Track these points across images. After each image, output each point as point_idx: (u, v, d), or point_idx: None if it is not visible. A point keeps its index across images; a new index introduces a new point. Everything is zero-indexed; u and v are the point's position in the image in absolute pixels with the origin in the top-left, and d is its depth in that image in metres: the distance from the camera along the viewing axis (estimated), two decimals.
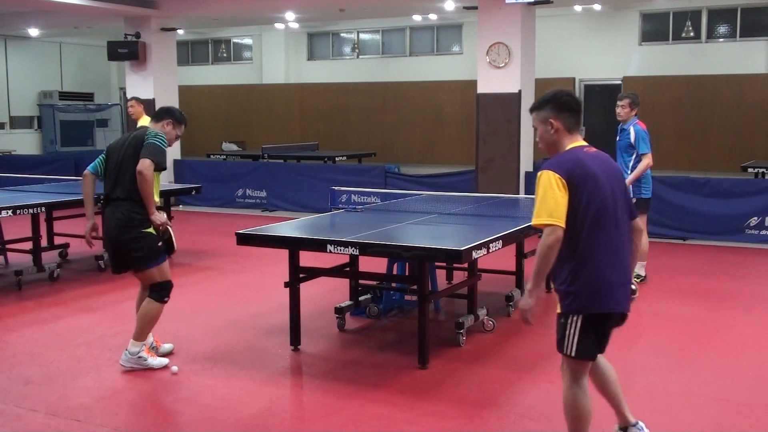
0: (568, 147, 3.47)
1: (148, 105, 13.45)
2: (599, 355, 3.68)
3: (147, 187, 4.81)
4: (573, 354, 3.53)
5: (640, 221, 7.44)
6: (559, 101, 3.47)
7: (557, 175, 3.31)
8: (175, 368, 5.00)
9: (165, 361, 5.04)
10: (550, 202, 3.31)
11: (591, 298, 3.47)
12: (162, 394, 4.67)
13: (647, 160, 7.28)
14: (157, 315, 5.03)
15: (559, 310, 3.58)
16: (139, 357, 4.96)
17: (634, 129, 7.36)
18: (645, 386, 4.76)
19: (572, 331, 3.49)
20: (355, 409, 4.41)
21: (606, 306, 3.48)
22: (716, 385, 4.83)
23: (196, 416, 4.33)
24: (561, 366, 3.69)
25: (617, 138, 7.52)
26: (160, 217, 4.97)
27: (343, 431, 4.17)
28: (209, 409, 4.42)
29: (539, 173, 3.41)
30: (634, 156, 7.34)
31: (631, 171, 7.34)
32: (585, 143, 3.53)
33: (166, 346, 5.38)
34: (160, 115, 5.23)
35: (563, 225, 3.30)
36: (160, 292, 5.01)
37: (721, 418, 4.33)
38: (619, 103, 7.42)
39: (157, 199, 5.03)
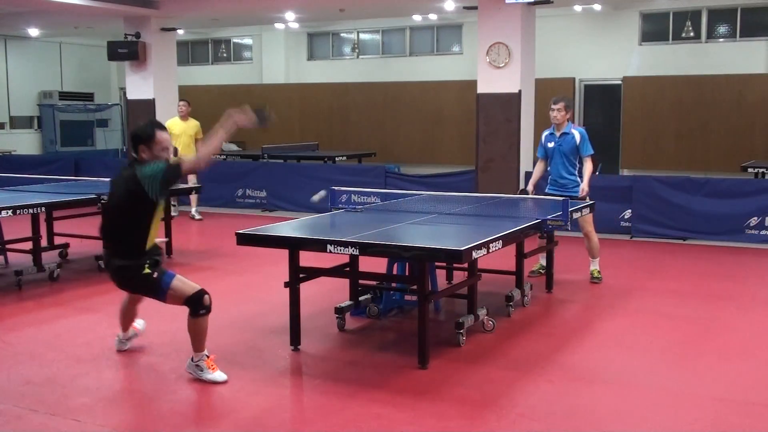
0: None
1: (148, 105, 13.54)
2: None
3: (200, 158, 4.77)
4: None
5: (588, 223, 7.60)
6: None
7: None
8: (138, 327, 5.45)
9: (223, 376, 4.80)
10: None
11: None
12: (162, 394, 4.67)
13: (592, 161, 7.46)
14: (204, 328, 4.86)
15: None
16: (197, 364, 4.83)
17: (578, 131, 7.43)
18: (645, 386, 4.76)
19: None
20: (355, 409, 4.41)
21: None
22: (716, 385, 4.83)
23: (196, 416, 4.33)
24: None
25: (550, 143, 7.53)
26: (225, 125, 4.75)
27: (344, 431, 4.17)
28: (209, 409, 4.43)
29: None
30: (578, 159, 7.49)
31: (579, 175, 7.43)
32: None
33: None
34: (131, 144, 4.86)
35: None
36: (193, 307, 4.81)
37: (721, 418, 4.32)
38: (554, 106, 7.42)
39: (156, 239, 4.95)
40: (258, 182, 13.07)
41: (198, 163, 4.80)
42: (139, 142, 4.75)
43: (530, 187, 7.77)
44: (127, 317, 5.38)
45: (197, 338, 4.83)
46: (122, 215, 4.75)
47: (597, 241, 7.63)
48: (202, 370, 4.80)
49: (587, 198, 7.34)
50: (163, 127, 4.89)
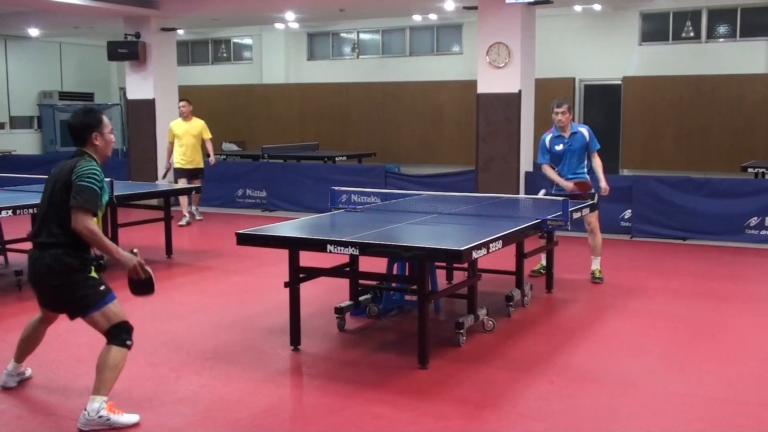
0: None
1: (148, 105, 13.54)
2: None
3: (98, 240, 4.10)
4: None
5: (595, 218, 7.76)
6: None
7: None
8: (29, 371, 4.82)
9: (135, 417, 4.20)
10: None
11: None
12: (162, 394, 4.67)
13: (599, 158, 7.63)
14: (122, 362, 4.19)
15: None
16: (100, 416, 4.05)
17: (584, 129, 7.51)
18: (645, 386, 4.76)
19: None
20: (355, 409, 4.41)
21: None
22: (716, 385, 4.83)
23: (196, 416, 4.33)
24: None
25: (558, 146, 7.47)
26: (129, 258, 4.22)
27: (343, 431, 4.17)
28: (209, 409, 4.43)
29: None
30: (586, 156, 7.58)
31: (589, 172, 7.56)
32: None
33: (27, 372, 4.83)
34: (78, 134, 4.30)
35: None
36: (119, 335, 4.21)
37: (721, 418, 4.33)
38: (558, 110, 7.43)
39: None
40: (258, 182, 13.07)
41: (92, 236, 4.10)
42: (92, 129, 4.29)
43: (569, 185, 7.45)
44: (29, 342, 4.69)
45: (112, 375, 4.12)
46: (62, 206, 4.16)
47: (601, 239, 7.65)
48: (109, 419, 4.07)
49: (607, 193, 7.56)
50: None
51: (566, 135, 7.46)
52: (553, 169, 7.57)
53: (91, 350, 5.48)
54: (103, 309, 4.20)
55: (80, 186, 4.10)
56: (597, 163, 7.53)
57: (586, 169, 7.56)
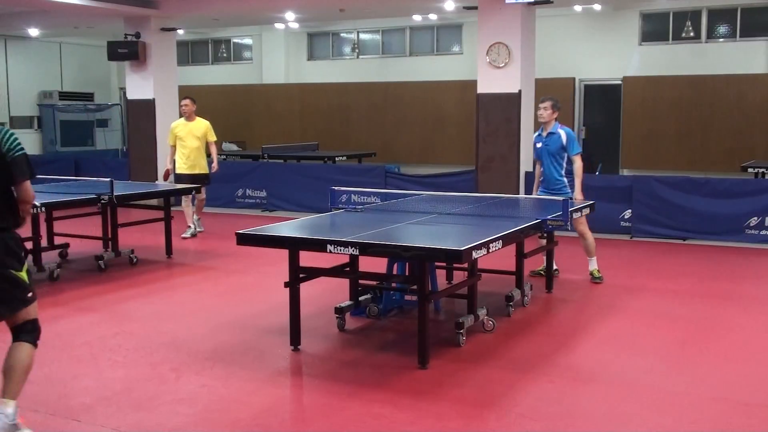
0: None
1: (148, 105, 13.54)
2: None
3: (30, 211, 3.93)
4: None
5: (581, 224, 7.71)
6: None
7: None
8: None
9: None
10: None
11: None
12: (162, 394, 4.67)
13: (581, 161, 7.53)
14: (33, 361, 3.91)
15: None
16: (14, 423, 3.79)
17: (564, 131, 7.48)
18: (645, 386, 4.76)
19: None
20: (355, 409, 4.41)
21: None
22: (716, 385, 4.83)
23: (196, 416, 4.33)
24: None
25: (538, 144, 7.58)
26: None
27: (343, 431, 4.17)
28: (209, 409, 4.43)
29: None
30: (565, 159, 7.51)
31: (569, 175, 7.53)
32: None
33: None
34: None
35: None
36: (34, 332, 3.92)
37: (721, 418, 4.33)
38: (541, 105, 7.56)
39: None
40: (258, 182, 13.07)
41: (32, 202, 4.00)
42: None
43: (535, 193, 7.78)
44: None
45: (24, 377, 3.84)
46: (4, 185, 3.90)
47: (593, 240, 7.65)
48: (19, 429, 3.82)
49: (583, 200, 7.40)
50: None
51: (545, 134, 7.53)
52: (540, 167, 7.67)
53: (91, 350, 5.49)
54: (33, 301, 3.94)
55: (21, 157, 4.03)
56: (575, 167, 7.44)
57: (564, 172, 7.52)
